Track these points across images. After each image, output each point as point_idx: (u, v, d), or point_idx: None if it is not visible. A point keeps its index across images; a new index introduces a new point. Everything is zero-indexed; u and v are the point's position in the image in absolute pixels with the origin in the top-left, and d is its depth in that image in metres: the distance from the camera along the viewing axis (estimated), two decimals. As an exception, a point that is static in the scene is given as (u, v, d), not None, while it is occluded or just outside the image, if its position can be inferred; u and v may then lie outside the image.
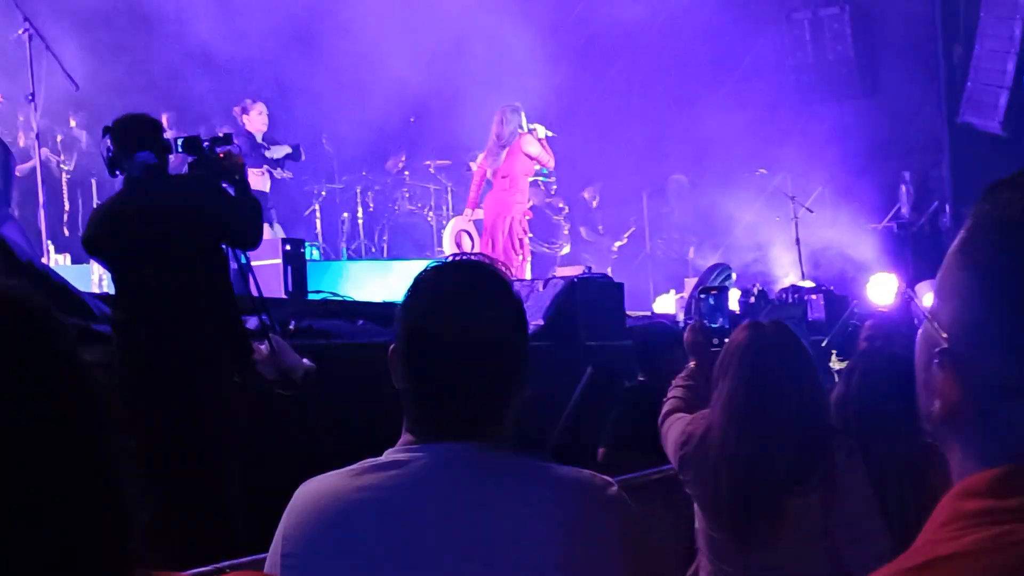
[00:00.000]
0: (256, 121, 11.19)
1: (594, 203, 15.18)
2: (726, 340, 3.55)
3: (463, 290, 1.87)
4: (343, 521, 1.82)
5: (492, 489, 1.81)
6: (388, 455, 1.87)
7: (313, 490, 1.88)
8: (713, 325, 4.07)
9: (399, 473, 1.83)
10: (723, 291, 4.37)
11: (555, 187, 14.24)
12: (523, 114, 10.45)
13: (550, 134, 10.77)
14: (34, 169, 8.89)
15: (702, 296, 4.25)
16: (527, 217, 10.66)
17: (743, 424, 3.23)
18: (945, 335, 1.02)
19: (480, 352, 1.83)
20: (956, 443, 1.01)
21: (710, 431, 3.35)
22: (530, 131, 10.42)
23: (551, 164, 10.87)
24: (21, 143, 10.57)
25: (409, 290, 1.91)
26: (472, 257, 1.97)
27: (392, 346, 1.91)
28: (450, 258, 1.98)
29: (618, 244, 15.17)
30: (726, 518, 3.27)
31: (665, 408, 3.77)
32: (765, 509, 3.17)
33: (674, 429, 3.55)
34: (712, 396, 3.40)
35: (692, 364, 3.97)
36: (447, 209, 14.17)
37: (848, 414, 3.66)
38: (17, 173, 8.61)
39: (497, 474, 1.83)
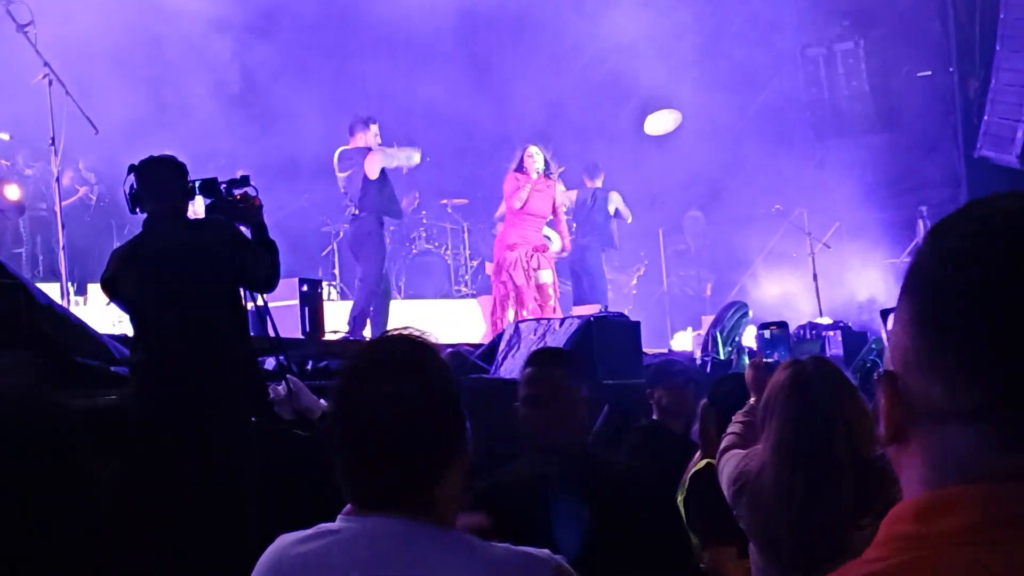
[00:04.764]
0: None
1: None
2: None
3: (388, 360, 1.90)
4: None
5: (416, 568, 1.80)
6: (336, 521, 1.89)
7: (273, 547, 1.93)
8: (770, 360, 4.00)
9: (328, 543, 1.85)
10: (782, 326, 4.33)
11: (575, 224, 14.25)
12: (532, 154, 10.10)
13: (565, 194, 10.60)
14: (71, 206, 8.77)
15: (760, 332, 4.21)
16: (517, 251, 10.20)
17: (795, 465, 3.16)
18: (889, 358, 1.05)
19: (405, 422, 1.83)
20: (903, 465, 1.04)
21: (763, 472, 3.29)
22: (519, 170, 10.09)
23: (513, 206, 10.20)
24: (66, 181, 10.63)
25: (342, 362, 1.97)
26: (404, 331, 1.98)
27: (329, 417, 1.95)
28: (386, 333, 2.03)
29: (635, 276, 15.13)
30: (785, 554, 3.20)
31: (723, 444, 3.74)
32: (828, 544, 3.07)
33: (729, 464, 3.51)
34: (761, 437, 3.34)
35: (752, 400, 3.92)
36: (464, 248, 14.21)
37: None
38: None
39: (424, 552, 1.81)
